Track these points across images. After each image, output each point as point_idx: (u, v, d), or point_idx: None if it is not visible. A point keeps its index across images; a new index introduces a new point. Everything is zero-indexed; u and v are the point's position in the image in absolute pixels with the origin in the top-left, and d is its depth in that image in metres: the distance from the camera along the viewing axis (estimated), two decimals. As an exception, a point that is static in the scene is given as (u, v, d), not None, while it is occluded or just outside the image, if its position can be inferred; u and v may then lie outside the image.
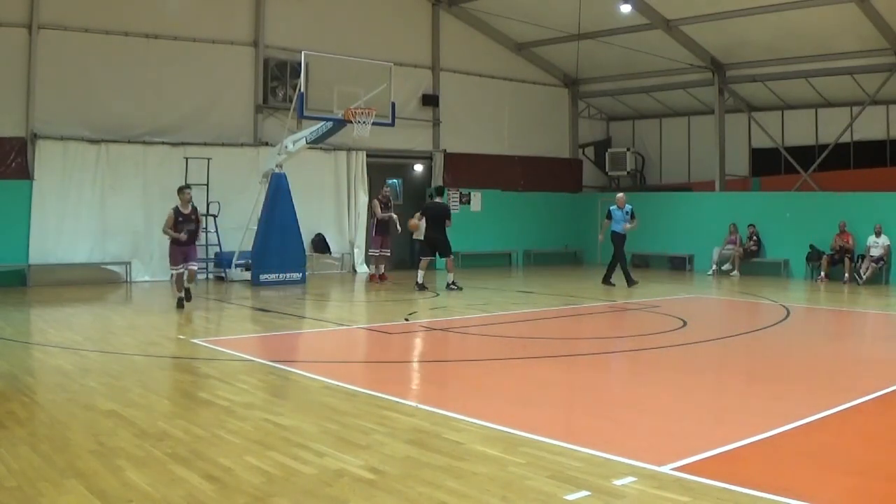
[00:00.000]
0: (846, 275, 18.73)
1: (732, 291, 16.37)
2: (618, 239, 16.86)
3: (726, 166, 22.49)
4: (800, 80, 20.74)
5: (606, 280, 17.08)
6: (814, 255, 19.72)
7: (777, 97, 22.11)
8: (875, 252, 18.53)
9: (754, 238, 20.78)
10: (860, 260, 18.77)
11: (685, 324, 11.44)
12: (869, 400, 6.58)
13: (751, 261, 20.68)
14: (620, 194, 17.63)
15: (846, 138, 21.25)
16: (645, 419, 6.04)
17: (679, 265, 22.52)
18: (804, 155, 21.89)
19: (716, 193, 22.25)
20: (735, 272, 20.50)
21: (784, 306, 13.64)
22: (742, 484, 4.41)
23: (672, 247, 22.64)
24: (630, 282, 16.73)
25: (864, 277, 18.29)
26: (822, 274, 19.26)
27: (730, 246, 21.01)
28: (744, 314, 13.74)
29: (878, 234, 18.57)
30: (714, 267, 21.14)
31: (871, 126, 20.91)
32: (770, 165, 23.12)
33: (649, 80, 23.28)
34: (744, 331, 10.75)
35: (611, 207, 17.09)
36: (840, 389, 7.12)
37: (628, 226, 16.90)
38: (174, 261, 12.79)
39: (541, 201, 24.30)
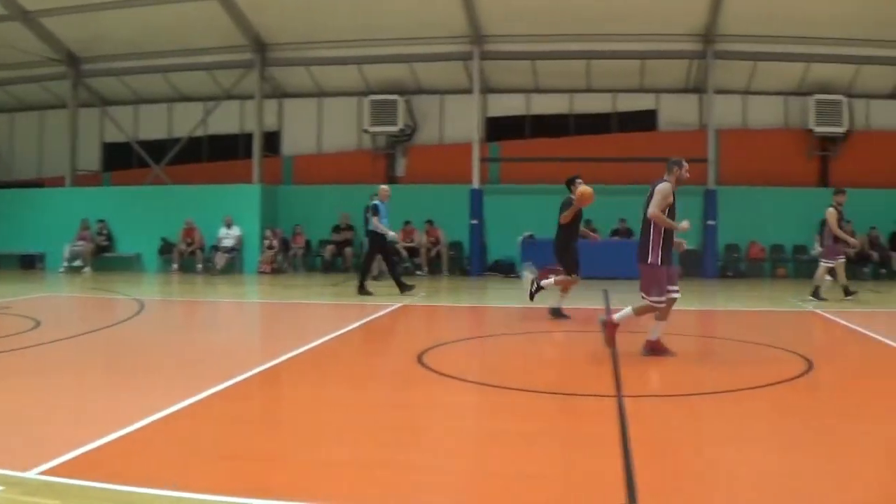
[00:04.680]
0: (199, 266, 19.65)
1: (85, 288, 15.85)
2: (377, 238, 14.71)
3: (79, 161, 21.78)
4: (157, 74, 21.07)
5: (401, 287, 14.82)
6: (166, 248, 20.24)
7: (132, 91, 22.14)
8: (227, 242, 19.79)
9: (104, 233, 20.55)
10: (213, 251, 19.85)
11: (38, 324, 10.68)
12: (231, 385, 6.85)
13: (103, 256, 20.38)
14: (385, 186, 15.47)
15: (201, 132, 22.25)
16: (2, 425, 5.45)
17: (30, 263, 21.05)
18: (158, 149, 22.27)
19: (67, 189, 21.35)
20: (87, 268, 19.99)
21: (138, 300, 13.67)
22: (113, 480, 4.19)
23: (22, 244, 21.07)
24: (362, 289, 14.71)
25: (220, 267, 19.40)
26: (176, 266, 19.90)
27: (81, 242, 20.43)
28: (99, 310, 13.36)
29: (228, 226, 19.87)
30: (66, 264, 20.29)
31: (226, 120, 22.21)
32: (122, 160, 23.06)
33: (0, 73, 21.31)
34: (100, 326, 10.47)
35: (376, 201, 14.60)
36: (203, 377, 7.29)
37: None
38: None
39: None
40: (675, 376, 7.74)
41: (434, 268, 20.34)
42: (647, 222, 8.15)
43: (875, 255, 20.11)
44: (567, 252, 11.15)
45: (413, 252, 20.27)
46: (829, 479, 4.58)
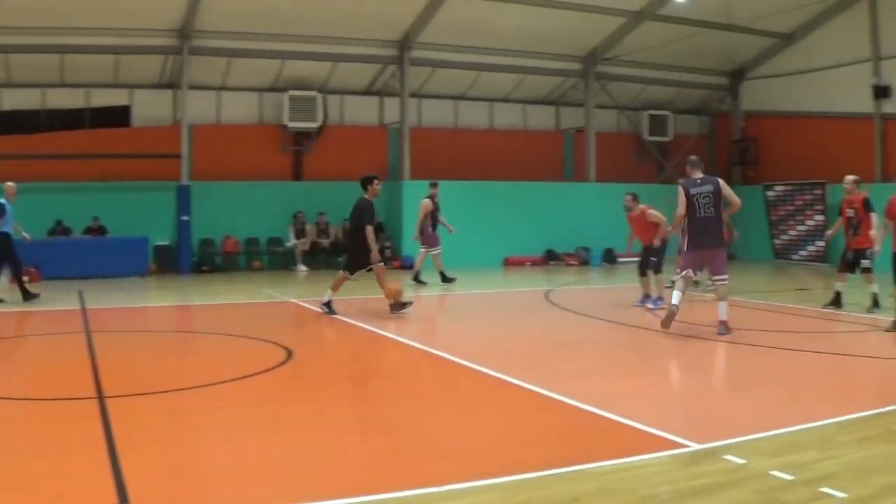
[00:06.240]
0: None
1: None
2: (5, 241, 13.34)
3: None
4: None
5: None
6: None
7: None
8: None
9: None
10: None
11: None
12: None
13: None
14: (10, 183, 13.80)
15: None
16: None
17: None
18: None
19: None
20: None
21: None
22: None
23: None
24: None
25: None
26: None
27: None
28: None
29: None
30: None
31: None
32: None
33: None
34: None
35: (2, 200, 13.41)
36: None
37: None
38: None
39: None
40: (157, 373, 7.86)
41: None
42: (719, 212, 9.19)
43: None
44: (355, 252, 11.90)
45: None
46: (309, 459, 4.99)
